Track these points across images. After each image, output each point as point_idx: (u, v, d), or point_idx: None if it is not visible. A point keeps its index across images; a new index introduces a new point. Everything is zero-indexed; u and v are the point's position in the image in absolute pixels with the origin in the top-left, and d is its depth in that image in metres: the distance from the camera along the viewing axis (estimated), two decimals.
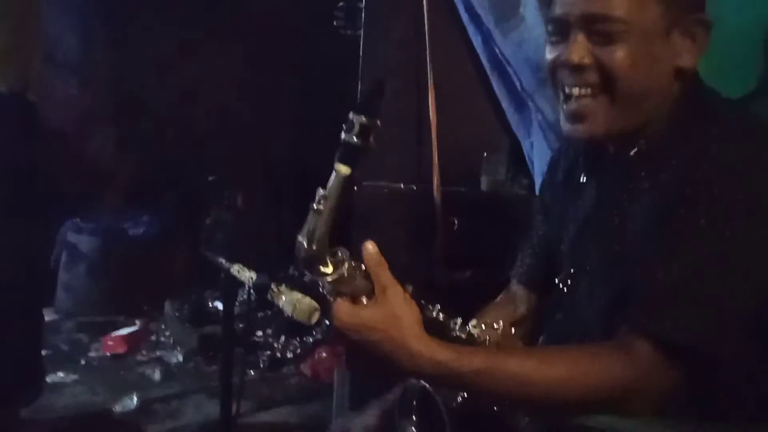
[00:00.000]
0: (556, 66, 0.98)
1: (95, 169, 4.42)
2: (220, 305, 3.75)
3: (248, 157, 4.35)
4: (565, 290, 1.08)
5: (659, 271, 0.88)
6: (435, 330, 0.92)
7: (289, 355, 3.46)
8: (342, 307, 0.88)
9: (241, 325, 3.01)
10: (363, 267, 0.91)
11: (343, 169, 0.89)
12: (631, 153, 1.00)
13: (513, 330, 1.11)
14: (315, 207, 0.89)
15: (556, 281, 1.10)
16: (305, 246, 0.89)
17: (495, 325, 1.05)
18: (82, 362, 3.35)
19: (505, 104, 2.13)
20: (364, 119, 0.88)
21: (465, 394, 0.94)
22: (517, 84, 2.04)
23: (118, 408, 2.82)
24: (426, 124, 2.13)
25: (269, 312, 3.71)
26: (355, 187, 2.14)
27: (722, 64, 1.18)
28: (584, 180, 1.09)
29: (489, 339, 1.00)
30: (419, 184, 2.15)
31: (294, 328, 3.60)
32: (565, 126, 0.99)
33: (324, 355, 3.31)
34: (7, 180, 2.19)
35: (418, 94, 2.15)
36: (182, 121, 4.53)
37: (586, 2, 0.93)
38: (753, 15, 1.43)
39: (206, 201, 1.82)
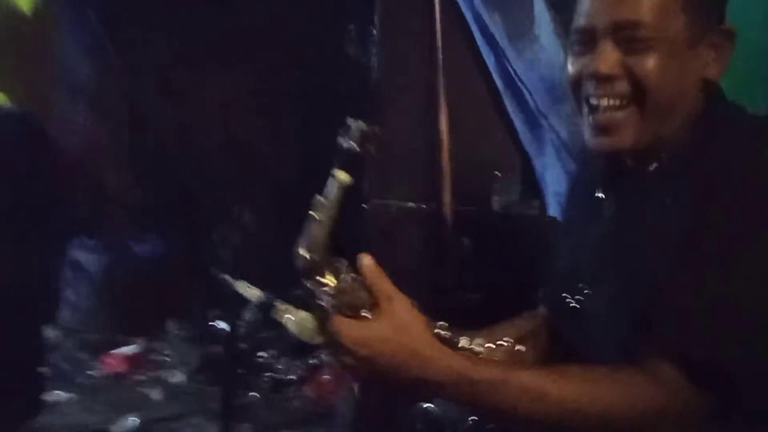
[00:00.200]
0: (581, 77, 0.95)
1: (101, 187, 4.42)
2: (223, 325, 3.71)
3: (256, 177, 4.35)
4: (581, 309, 1.04)
5: (684, 292, 0.84)
6: None
7: (293, 376, 3.40)
8: (346, 323, 0.85)
9: (244, 346, 2.96)
10: (362, 280, 0.89)
11: (342, 176, 0.87)
12: (651, 168, 0.97)
13: (521, 347, 1.07)
14: (313, 215, 0.87)
15: (572, 300, 1.06)
16: (304, 255, 0.87)
17: (501, 343, 1.02)
18: (82, 381, 3.30)
19: (517, 124, 2.11)
20: (363, 125, 0.86)
21: (477, 410, 0.88)
22: (531, 103, 2.02)
23: (116, 429, 2.76)
24: (438, 142, 2.10)
25: (273, 333, 3.67)
26: (365, 205, 2.11)
27: (747, 80, 1.15)
28: (602, 196, 1.05)
29: (495, 357, 0.96)
30: (430, 203, 2.12)
31: (297, 349, 3.55)
32: (591, 139, 0.96)
33: (328, 377, 3.25)
34: (14, 195, 2.17)
35: (431, 113, 2.13)
36: (190, 141, 4.54)
37: (615, 10, 0.91)
38: None
39: (213, 218, 1.79)
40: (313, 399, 3.18)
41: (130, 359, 3.45)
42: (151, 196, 4.40)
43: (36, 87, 2.34)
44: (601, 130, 0.93)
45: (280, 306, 1.38)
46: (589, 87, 0.93)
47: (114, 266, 4.02)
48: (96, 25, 4.09)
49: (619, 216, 1.01)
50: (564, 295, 1.08)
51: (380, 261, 0.97)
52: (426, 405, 1.09)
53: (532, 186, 2.14)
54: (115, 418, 2.81)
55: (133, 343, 3.67)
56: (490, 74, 2.11)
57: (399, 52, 2.18)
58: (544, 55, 1.93)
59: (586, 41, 0.93)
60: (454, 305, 1.95)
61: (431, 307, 0.96)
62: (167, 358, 3.60)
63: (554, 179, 2.04)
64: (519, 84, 2.03)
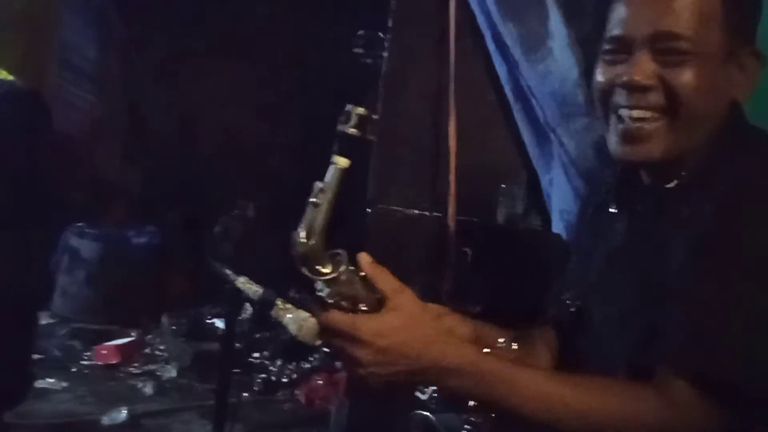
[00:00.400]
0: (612, 86, 0.94)
1: (102, 176, 4.41)
2: (218, 322, 3.69)
3: (258, 173, 4.34)
4: (592, 323, 1.03)
5: (698, 309, 0.84)
6: None
7: (285, 379, 3.38)
8: (361, 317, 0.85)
9: (238, 345, 2.94)
10: (362, 274, 0.89)
11: (341, 162, 0.87)
12: (671, 185, 0.96)
13: (515, 346, 1.07)
14: (313, 200, 0.87)
15: (581, 315, 1.06)
16: (303, 240, 0.87)
17: (497, 345, 1.05)
18: (74, 370, 3.29)
19: (526, 137, 2.10)
20: (361, 110, 0.87)
21: (482, 401, 0.87)
22: (541, 117, 2.01)
23: (105, 420, 2.74)
24: (445, 151, 2.09)
25: (267, 334, 3.65)
26: (368, 209, 2.10)
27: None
28: (615, 211, 1.05)
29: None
30: (434, 211, 2.10)
31: (291, 352, 3.53)
32: (618, 148, 0.94)
33: (320, 381, 3.23)
34: (13, 177, 2.16)
35: (439, 120, 2.12)
36: (193, 135, 4.54)
37: (655, 20, 0.90)
38: None
39: (214, 212, 1.78)
40: (305, 402, 3.17)
41: (124, 351, 3.44)
42: (151, 187, 4.40)
43: (38, 66, 2.32)
44: (630, 139, 0.92)
45: (280, 304, 1.37)
46: (621, 97, 0.92)
47: (112, 256, 4.01)
48: (105, 7, 4.09)
49: (632, 231, 1.01)
50: (574, 308, 1.07)
51: (383, 266, 0.96)
52: (422, 412, 1.08)
53: (537, 200, 2.13)
54: (105, 409, 2.80)
55: (128, 335, 3.66)
56: (501, 85, 2.10)
57: (410, 58, 2.17)
58: (557, 68, 1.92)
59: (621, 50, 0.92)
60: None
61: None
62: (160, 353, 3.59)
63: (560, 196, 2.03)
64: (530, 96, 2.02)
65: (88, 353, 3.47)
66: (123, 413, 2.76)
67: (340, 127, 0.88)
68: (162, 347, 3.65)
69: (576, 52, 1.88)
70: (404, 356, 0.83)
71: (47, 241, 3.38)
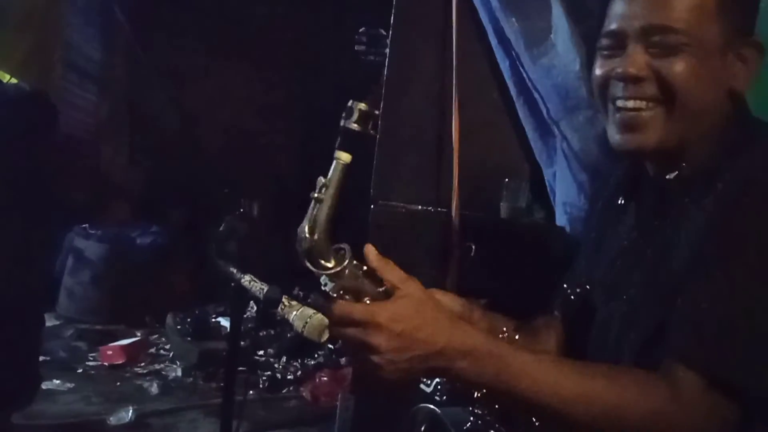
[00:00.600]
0: (608, 79, 0.96)
1: (106, 176, 4.42)
2: (222, 321, 3.70)
3: (263, 172, 4.35)
4: (597, 317, 1.03)
5: (704, 303, 0.84)
6: None
7: (290, 377, 3.39)
8: (376, 305, 0.86)
9: (243, 343, 2.95)
10: (365, 268, 0.89)
11: (344, 157, 0.88)
12: (670, 176, 0.97)
13: (518, 336, 1.09)
14: (316, 196, 0.88)
15: (587, 307, 1.06)
16: (307, 236, 0.87)
17: (500, 335, 1.04)
18: (80, 370, 3.29)
19: (529, 131, 2.09)
20: (363, 106, 0.87)
21: (490, 386, 0.87)
22: (544, 111, 2.00)
23: (112, 420, 2.75)
24: (448, 146, 2.09)
25: (272, 332, 3.66)
26: (372, 206, 2.10)
27: None
28: (623, 203, 1.05)
29: None
30: (437, 206, 2.10)
31: (296, 349, 3.53)
32: (616, 137, 0.96)
33: (325, 379, 3.24)
34: (19, 178, 2.16)
35: (442, 116, 2.12)
36: (196, 135, 4.54)
37: (647, 14, 0.92)
38: None
39: (219, 209, 1.78)
40: (310, 399, 3.17)
41: (129, 351, 3.45)
42: (155, 188, 4.40)
43: (42, 68, 2.33)
44: (627, 128, 0.94)
45: (285, 302, 1.37)
46: (617, 89, 0.95)
47: (117, 257, 4.02)
48: (109, 8, 4.09)
49: (638, 224, 1.01)
50: (579, 300, 1.07)
51: None
52: (428, 405, 1.07)
53: (540, 194, 2.12)
54: (111, 409, 2.80)
55: (133, 336, 3.67)
56: (504, 79, 2.10)
57: (412, 54, 2.17)
58: (560, 62, 1.92)
59: (616, 44, 0.95)
60: None
61: None
62: (165, 352, 3.59)
63: (563, 189, 2.02)
64: (532, 91, 2.01)
65: (93, 354, 3.48)
66: (129, 413, 2.77)
67: (342, 123, 0.88)
68: (167, 347, 3.65)
69: (579, 46, 1.87)
70: (419, 341, 0.83)
71: (52, 242, 3.39)
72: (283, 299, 1.36)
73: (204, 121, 4.53)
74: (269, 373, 3.36)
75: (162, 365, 3.43)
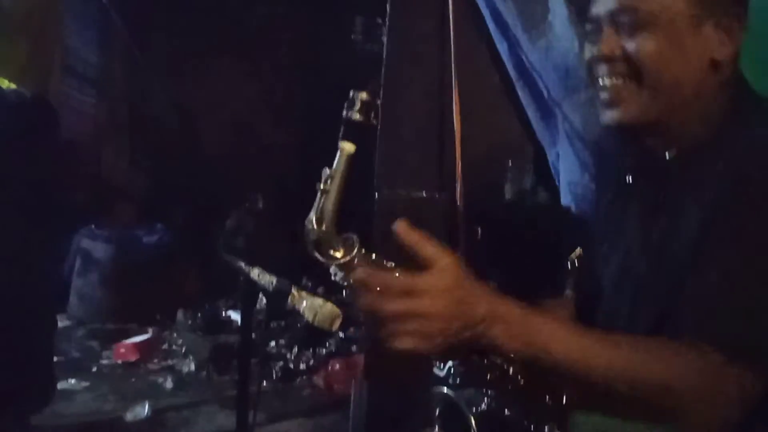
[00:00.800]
0: (592, 61, 1.02)
1: (109, 178, 4.43)
2: (233, 315, 3.72)
3: (266, 166, 4.35)
4: (608, 296, 1.04)
5: (716, 279, 0.86)
6: None
7: (302, 366, 3.41)
8: (432, 274, 0.83)
9: (254, 335, 2.97)
10: (374, 256, 0.89)
11: (348, 147, 0.89)
12: (671, 154, 0.99)
13: None
14: (322, 187, 0.88)
15: (597, 286, 1.07)
16: (314, 227, 0.88)
17: None
18: (94, 369, 3.33)
19: (530, 113, 2.10)
20: (365, 95, 0.88)
21: (527, 356, 0.87)
22: (544, 92, 2.01)
23: (129, 416, 2.78)
24: (450, 131, 2.09)
25: (283, 323, 3.68)
26: (376, 194, 2.11)
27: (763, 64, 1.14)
28: (630, 182, 1.06)
29: None
30: (442, 192, 2.11)
31: (307, 339, 3.56)
32: (603, 115, 1.01)
33: (337, 367, 3.26)
34: (25, 183, 2.17)
35: (443, 102, 2.12)
36: (198, 133, 4.55)
37: None
38: None
39: (224, 206, 1.79)
40: (324, 388, 3.20)
41: (142, 348, 3.48)
42: (159, 187, 4.42)
43: (42, 73, 2.33)
44: (608, 104, 1.00)
45: (295, 293, 1.38)
46: (597, 68, 1.01)
47: (124, 256, 4.04)
48: (106, 12, 4.08)
49: (645, 201, 1.02)
50: (592, 279, 1.08)
51: (392, 250, 0.97)
52: (442, 389, 1.09)
53: (544, 175, 2.13)
54: (127, 406, 2.83)
55: (144, 333, 3.69)
56: (502, 63, 2.10)
57: (410, 41, 2.17)
58: (558, 43, 1.92)
59: (596, 28, 1.01)
60: None
61: None
62: (178, 348, 3.62)
63: (567, 169, 2.03)
64: (532, 73, 2.02)
65: (106, 352, 3.50)
66: (146, 408, 2.80)
67: (344, 113, 0.89)
68: (179, 342, 3.68)
69: (576, 26, 1.87)
70: (463, 310, 0.83)
71: (59, 245, 3.41)
72: (293, 290, 1.37)
73: (204, 119, 4.53)
74: (282, 363, 3.39)
75: (175, 361, 3.46)
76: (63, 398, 2.84)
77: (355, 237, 0.90)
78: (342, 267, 0.91)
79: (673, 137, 0.98)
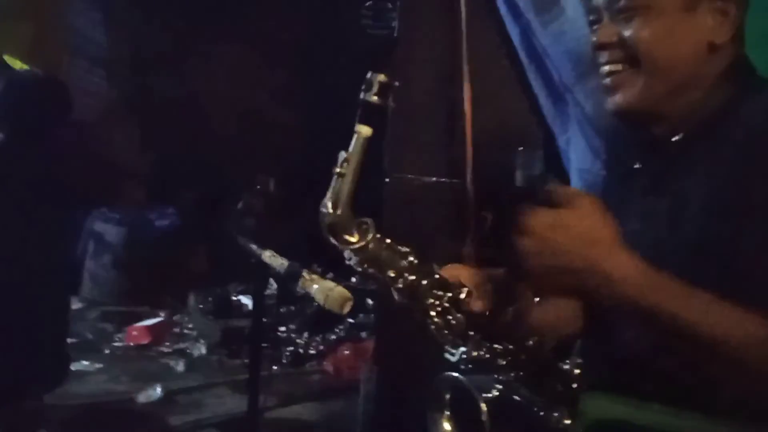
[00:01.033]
0: (593, 50, 1.03)
1: (121, 160, 4.45)
2: (244, 299, 3.75)
3: (280, 149, 4.35)
4: None
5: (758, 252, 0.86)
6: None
7: (312, 351, 3.44)
8: (539, 211, 0.86)
9: (265, 320, 2.99)
10: (388, 241, 0.90)
11: (364, 130, 0.88)
12: (677, 138, 1.00)
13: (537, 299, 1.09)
14: (338, 171, 0.88)
15: None
16: (330, 211, 0.87)
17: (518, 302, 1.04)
18: (107, 351, 3.36)
19: (541, 98, 2.09)
20: (383, 77, 0.87)
21: (637, 312, 0.87)
22: (556, 77, 1.99)
23: (141, 397, 2.82)
24: (460, 116, 2.09)
25: (293, 308, 3.70)
26: (386, 179, 2.11)
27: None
28: (639, 166, 1.06)
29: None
30: (452, 177, 2.10)
31: (317, 324, 3.58)
32: (607, 102, 1.03)
33: (347, 352, 3.28)
34: (38, 163, 2.19)
35: (453, 87, 2.11)
36: (209, 115, 4.55)
37: None
38: None
39: (235, 189, 1.79)
40: (333, 373, 3.22)
41: (154, 331, 3.51)
42: (170, 170, 4.43)
43: (50, 54, 2.34)
44: (610, 90, 1.01)
45: (306, 276, 1.39)
46: (599, 56, 1.02)
47: (136, 239, 4.07)
48: None
49: (654, 188, 1.03)
50: None
51: (402, 236, 0.98)
52: (452, 373, 1.09)
53: (555, 161, 2.12)
54: (139, 388, 2.87)
55: (156, 316, 3.73)
56: (514, 47, 2.08)
57: (421, 25, 2.16)
58: (570, 27, 1.90)
59: (597, 19, 1.02)
60: None
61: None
62: (189, 331, 3.66)
63: (578, 155, 2.02)
64: (544, 57, 2.00)
65: (119, 335, 3.54)
66: (158, 390, 2.83)
67: (362, 96, 0.88)
68: (190, 326, 3.71)
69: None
70: (566, 252, 0.84)
71: (72, 226, 3.43)
72: (304, 273, 1.37)
73: (216, 101, 4.53)
74: (292, 348, 3.41)
75: (186, 344, 3.49)
76: (76, 379, 2.88)
77: (370, 221, 0.90)
78: (356, 252, 0.90)
79: (677, 122, 0.99)
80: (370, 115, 0.87)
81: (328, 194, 0.88)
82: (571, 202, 0.86)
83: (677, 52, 0.97)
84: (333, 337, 3.55)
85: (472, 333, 1.00)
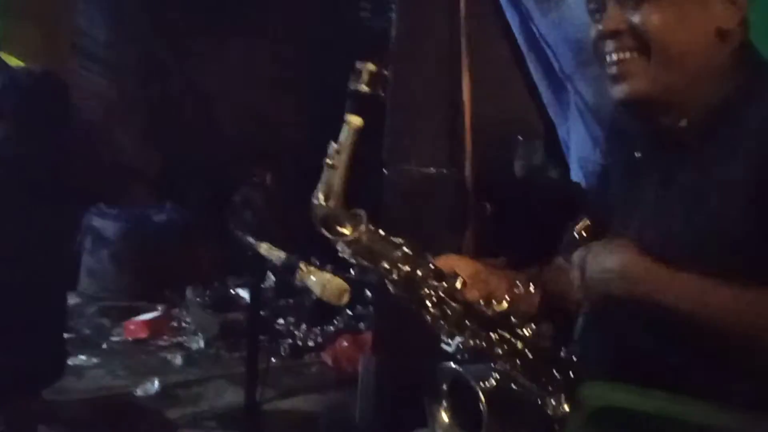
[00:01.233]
0: (598, 39, 1.02)
1: (119, 156, 4.44)
2: (242, 292, 3.74)
3: (275, 142, 4.34)
4: None
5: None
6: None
7: (311, 343, 3.42)
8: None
9: (262, 313, 2.98)
10: (381, 233, 0.89)
11: (355, 121, 0.87)
12: (681, 124, 0.99)
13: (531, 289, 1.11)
14: (329, 162, 0.87)
15: None
16: (322, 203, 0.86)
17: (516, 291, 1.07)
18: (104, 346, 3.35)
19: (541, 87, 2.07)
20: (371, 66, 0.86)
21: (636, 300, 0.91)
22: (556, 66, 1.98)
23: (139, 392, 2.80)
24: (460, 106, 2.07)
25: (291, 300, 3.69)
26: (385, 171, 2.09)
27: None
28: (639, 156, 1.05)
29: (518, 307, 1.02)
30: (451, 168, 2.09)
31: (315, 316, 3.57)
32: (612, 91, 1.01)
33: (345, 344, 3.27)
34: (36, 160, 2.17)
35: (453, 76, 2.09)
36: (209, 106, 4.53)
37: None
38: None
39: (233, 183, 1.78)
40: (332, 365, 3.21)
41: (152, 325, 3.49)
42: (170, 162, 4.42)
43: (53, 53, 2.32)
44: (617, 79, 0.99)
45: (304, 268, 1.38)
46: (604, 45, 1.00)
47: (134, 234, 4.05)
48: None
49: (663, 177, 1.02)
50: None
51: (401, 227, 0.97)
52: (450, 364, 1.08)
53: (555, 151, 2.11)
54: (137, 382, 2.85)
55: (154, 310, 3.71)
56: (513, 36, 2.07)
57: (420, 14, 2.14)
58: (571, 15, 1.88)
59: (599, 7, 1.01)
60: None
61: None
62: (187, 325, 3.64)
63: (578, 144, 2.01)
64: (543, 46, 1.99)
65: (117, 329, 3.53)
66: (155, 384, 2.82)
67: (351, 85, 0.87)
68: (188, 320, 3.70)
69: None
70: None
71: (70, 222, 3.42)
72: (301, 265, 1.36)
73: (213, 96, 4.52)
74: (290, 340, 3.40)
75: (184, 338, 3.48)
76: (74, 374, 2.87)
77: (362, 213, 0.89)
78: (349, 244, 0.89)
79: (685, 109, 0.98)
80: (360, 105, 0.86)
81: (320, 186, 0.87)
82: None
83: (688, 38, 0.95)
84: (331, 329, 3.54)
85: (468, 323, 0.99)
